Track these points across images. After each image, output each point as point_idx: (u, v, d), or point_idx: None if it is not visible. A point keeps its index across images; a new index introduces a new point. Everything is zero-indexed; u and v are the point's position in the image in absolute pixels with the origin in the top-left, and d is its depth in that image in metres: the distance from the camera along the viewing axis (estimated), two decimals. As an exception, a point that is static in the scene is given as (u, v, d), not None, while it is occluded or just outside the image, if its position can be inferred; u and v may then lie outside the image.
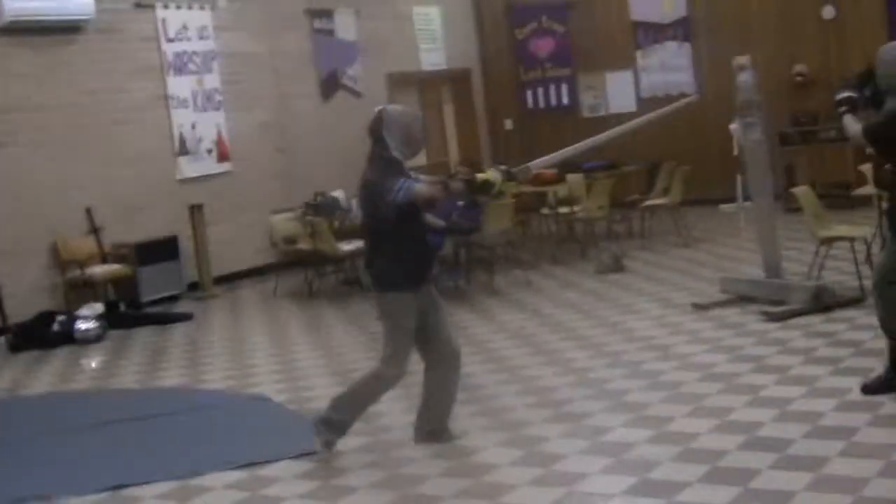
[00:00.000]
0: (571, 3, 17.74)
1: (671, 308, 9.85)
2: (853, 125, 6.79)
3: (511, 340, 9.17)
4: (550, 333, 9.26)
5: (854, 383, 6.80)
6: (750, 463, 5.62)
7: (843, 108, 6.93)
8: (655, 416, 6.61)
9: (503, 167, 6.28)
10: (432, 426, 6.50)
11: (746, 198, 14.99)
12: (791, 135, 15.52)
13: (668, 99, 16.99)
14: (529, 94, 18.21)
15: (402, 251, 6.23)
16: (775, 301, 9.28)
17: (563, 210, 13.40)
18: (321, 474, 6.15)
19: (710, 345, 8.31)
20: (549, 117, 17.96)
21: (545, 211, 13.85)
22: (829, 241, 9.68)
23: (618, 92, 17.42)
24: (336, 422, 6.42)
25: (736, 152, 15.45)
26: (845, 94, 6.97)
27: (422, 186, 6.09)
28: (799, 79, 15.97)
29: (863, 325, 8.34)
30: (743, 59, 9.72)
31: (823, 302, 9.01)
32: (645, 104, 17.13)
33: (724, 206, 15.83)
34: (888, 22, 15.39)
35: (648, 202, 13.91)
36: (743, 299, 9.66)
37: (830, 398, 6.61)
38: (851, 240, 9.69)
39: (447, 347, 6.46)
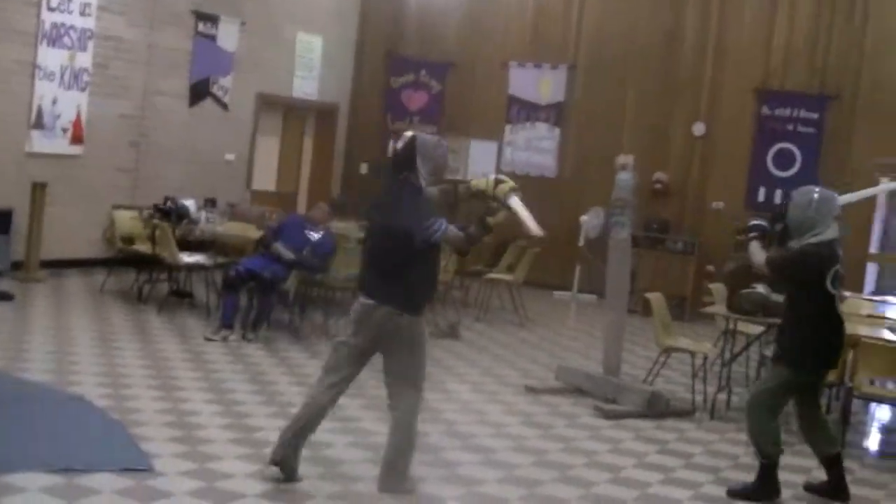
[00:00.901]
0: (454, 64, 17.76)
1: (505, 386, 9.83)
2: (759, 253, 7.33)
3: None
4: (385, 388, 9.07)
5: (684, 496, 6.90)
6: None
7: (753, 235, 7.43)
8: (490, 496, 6.53)
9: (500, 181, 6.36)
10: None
11: (581, 289, 15.30)
12: (640, 239, 15.77)
13: (527, 178, 17.18)
14: (392, 143, 18.07)
15: (426, 275, 6.30)
16: (608, 399, 9.34)
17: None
18: (141, 495, 5.83)
19: (544, 430, 8.30)
20: (407, 171, 17.85)
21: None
22: (671, 350, 9.82)
23: (479, 160, 17.41)
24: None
25: (581, 243, 15.72)
26: (757, 222, 7.51)
27: (456, 235, 6.14)
28: (658, 186, 16.27)
29: (693, 438, 8.50)
30: (626, 159, 9.84)
31: (656, 408, 9.13)
32: (503, 178, 17.25)
33: (558, 293, 15.98)
34: (752, 147, 15.86)
35: (492, 275, 13.91)
36: (576, 391, 9.71)
37: (661, 508, 6.67)
38: (693, 353, 9.84)
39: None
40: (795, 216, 7.04)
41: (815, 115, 15.57)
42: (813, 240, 6.92)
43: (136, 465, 6.26)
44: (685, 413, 9.29)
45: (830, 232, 6.97)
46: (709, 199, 16.20)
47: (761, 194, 15.80)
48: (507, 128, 17.39)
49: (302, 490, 6.22)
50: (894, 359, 8.41)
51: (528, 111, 17.26)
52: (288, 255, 10.67)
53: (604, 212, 16.25)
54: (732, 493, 7.04)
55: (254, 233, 11.97)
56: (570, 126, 17.12)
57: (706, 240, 15.79)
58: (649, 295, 10.09)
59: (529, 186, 16.84)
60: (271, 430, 7.03)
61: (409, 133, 6.44)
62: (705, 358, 9.74)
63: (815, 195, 7.03)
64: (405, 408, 6.32)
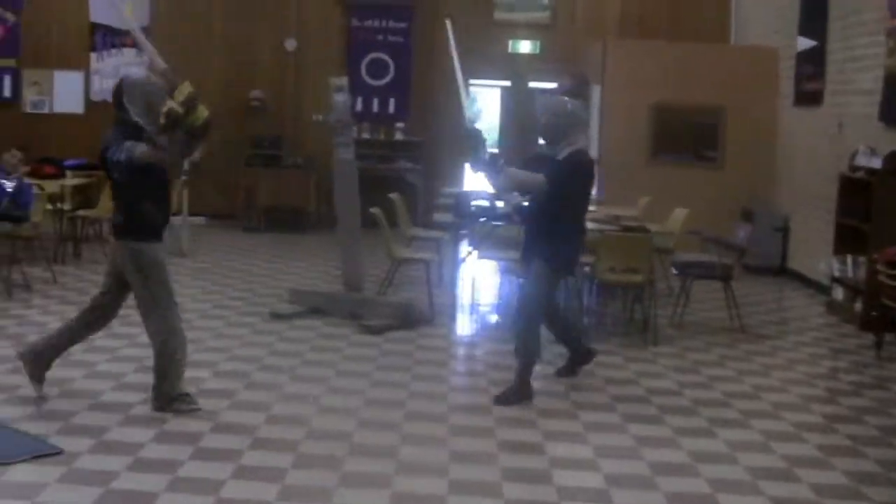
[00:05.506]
0: (26, -6, 16.78)
1: (248, 316, 9.84)
2: (523, 174, 7.30)
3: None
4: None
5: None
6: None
7: (501, 162, 7.25)
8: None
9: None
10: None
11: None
12: (252, 158, 16.03)
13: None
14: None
15: (144, 202, 6.59)
16: (353, 315, 9.69)
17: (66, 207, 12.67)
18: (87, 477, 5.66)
19: (334, 353, 8.58)
20: (-13, 108, 16.86)
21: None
22: (403, 261, 10.34)
23: (65, 91, 16.80)
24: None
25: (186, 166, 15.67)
26: (492, 152, 7.39)
27: (142, 151, 6.45)
28: (255, 104, 16.49)
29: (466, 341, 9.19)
30: (340, 81, 10.10)
31: (411, 318, 9.64)
32: (94, 108, 16.80)
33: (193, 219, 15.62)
34: (347, 59, 16.48)
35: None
36: (314, 311, 9.94)
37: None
38: (426, 262, 10.38)
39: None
40: (552, 123, 7.24)
41: (403, 25, 16.49)
42: (570, 149, 7.17)
43: (48, 450, 6.01)
44: (426, 320, 9.84)
45: (582, 140, 7.33)
46: (307, 113, 16.60)
47: (359, 103, 16.48)
48: (93, 56, 16.81)
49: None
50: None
51: (113, 37, 16.76)
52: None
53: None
54: (560, 373, 7.98)
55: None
56: (158, 49, 16.75)
57: (313, 152, 16.20)
58: (374, 210, 10.29)
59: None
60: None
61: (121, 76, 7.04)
62: (428, 265, 10.35)
63: (570, 105, 7.37)
64: (159, 328, 6.76)
